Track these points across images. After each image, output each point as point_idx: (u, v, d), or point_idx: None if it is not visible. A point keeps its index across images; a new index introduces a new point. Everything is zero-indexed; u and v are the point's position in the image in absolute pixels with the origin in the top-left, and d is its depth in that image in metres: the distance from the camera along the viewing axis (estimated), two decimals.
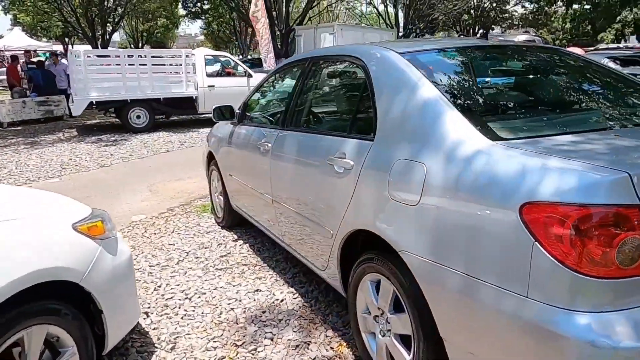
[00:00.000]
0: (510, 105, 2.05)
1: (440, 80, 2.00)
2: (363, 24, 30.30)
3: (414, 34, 27.13)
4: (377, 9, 30.14)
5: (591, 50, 14.01)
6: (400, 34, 25.11)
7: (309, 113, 2.84)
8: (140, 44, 38.04)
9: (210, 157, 4.35)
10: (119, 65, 10.24)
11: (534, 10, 32.48)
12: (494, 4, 33.81)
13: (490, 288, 1.48)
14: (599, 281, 1.29)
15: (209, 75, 11.09)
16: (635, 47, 18.78)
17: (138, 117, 10.50)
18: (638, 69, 9.99)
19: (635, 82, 2.32)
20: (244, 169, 3.58)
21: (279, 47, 19.35)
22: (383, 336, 2.07)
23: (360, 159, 2.10)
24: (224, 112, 3.72)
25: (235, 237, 4.13)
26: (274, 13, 19.36)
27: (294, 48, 19.20)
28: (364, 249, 2.22)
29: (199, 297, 3.08)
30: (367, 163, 2.05)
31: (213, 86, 10.92)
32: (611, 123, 1.81)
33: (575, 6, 22.76)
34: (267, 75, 3.55)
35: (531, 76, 2.36)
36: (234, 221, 4.26)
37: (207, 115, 11.67)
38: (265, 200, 3.14)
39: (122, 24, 33.73)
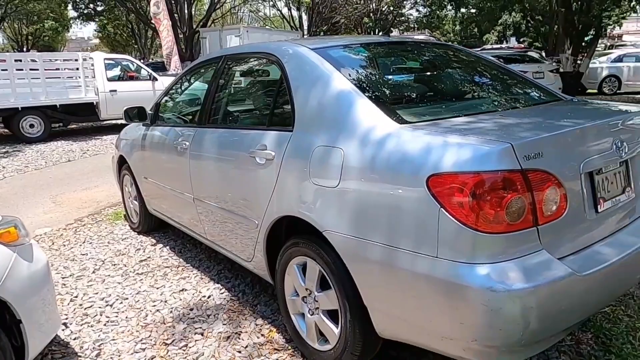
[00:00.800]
0: (413, 95, 2.28)
1: (350, 73, 2.17)
2: (268, 27, 30.43)
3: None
4: (282, 12, 30.44)
5: (477, 50, 15.36)
6: (305, 37, 25.61)
7: (227, 110, 2.89)
8: (25, 48, 34.89)
9: (122, 162, 4.21)
10: (6, 70, 9.38)
11: (427, 14, 34.75)
12: (391, 8, 35.70)
13: (407, 254, 1.67)
14: (494, 236, 1.53)
15: (110, 79, 10.55)
16: (514, 47, 20.85)
17: (31, 126, 9.72)
18: (518, 66, 11.15)
19: (515, 73, 2.69)
20: (161, 171, 3.53)
21: (183, 49, 18.86)
22: (312, 315, 2.20)
23: (281, 149, 2.21)
24: (135, 114, 3.63)
25: (154, 241, 4.05)
26: (176, 15, 18.84)
27: (199, 50, 18.83)
28: (288, 235, 2.33)
29: (121, 302, 3.00)
30: (287, 152, 2.17)
31: (115, 91, 10.41)
32: (497, 106, 2.10)
33: (463, 10, 24.78)
34: (180, 75, 3.53)
35: (430, 69, 2.64)
36: (151, 225, 4.17)
37: (110, 121, 11.11)
38: (186, 200, 3.14)
39: (2, 27, 30.70)
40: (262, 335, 2.56)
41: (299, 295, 2.27)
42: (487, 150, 1.54)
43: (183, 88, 3.57)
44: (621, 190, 1.93)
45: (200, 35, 17.29)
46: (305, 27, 27.78)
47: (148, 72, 11.12)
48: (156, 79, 10.83)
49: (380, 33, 18.93)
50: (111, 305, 2.97)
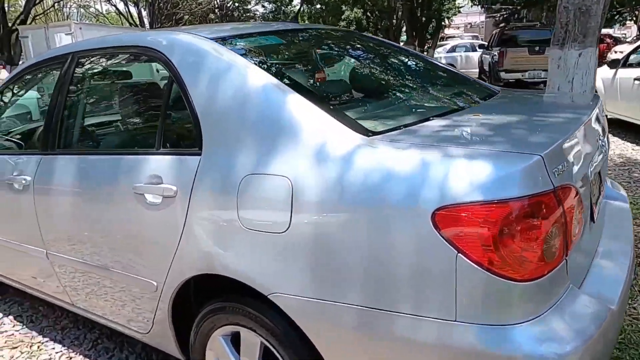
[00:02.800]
0: (357, 95, 1.78)
1: (273, 68, 1.60)
2: (102, 23, 27.46)
3: None
4: (117, 8, 27.67)
5: None
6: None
7: (87, 128, 2.08)
8: None
9: None
10: None
11: (273, 10, 34.76)
12: (237, 4, 34.91)
13: (405, 319, 1.18)
14: (535, 283, 1.12)
15: None
16: None
17: None
18: None
19: (437, 64, 2.37)
20: None
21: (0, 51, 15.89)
22: None
23: (186, 182, 1.55)
24: None
25: None
26: None
27: (19, 52, 16.03)
28: (204, 296, 1.69)
29: None
30: (198, 186, 1.52)
31: None
32: (457, 104, 1.72)
33: (309, 6, 25.25)
34: (4, 83, 2.54)
35: (361, 62, 2.16)
36: None
37: None
38: (35, 256, 2.25)
39: None
40: None
41: None
42: (514, 168, 1.12)
43: (10, 100, 2.58)
44: (598, 190, 1.69)
45: (19, 34, 14.63)
46: (147, 24, 25.60)
47: None
48: None
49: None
50: None
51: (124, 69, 2.13)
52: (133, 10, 27.35)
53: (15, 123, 2.99)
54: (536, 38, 12.28)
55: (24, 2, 19.13)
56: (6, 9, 18.11)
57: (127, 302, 1.91)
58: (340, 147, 1.30)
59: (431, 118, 1.51)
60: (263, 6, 35.57)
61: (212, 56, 1.61)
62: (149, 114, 1.97)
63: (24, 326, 2.74)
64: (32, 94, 2.89)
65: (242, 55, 1.60)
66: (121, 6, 27.08)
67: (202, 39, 1.70)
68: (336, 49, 2.20)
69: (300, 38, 2.10)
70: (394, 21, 17.88)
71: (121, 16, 28.03)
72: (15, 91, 2.55)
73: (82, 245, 1.98)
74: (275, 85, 1.47)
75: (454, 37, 26.33)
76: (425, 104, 1.74)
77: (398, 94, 1.85)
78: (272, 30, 2.02)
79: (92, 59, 2.11)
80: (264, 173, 1.38)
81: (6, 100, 2.55)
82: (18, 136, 2.46)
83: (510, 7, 23.32)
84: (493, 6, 24.87)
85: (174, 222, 1.58)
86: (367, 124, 1.41)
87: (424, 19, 13.62)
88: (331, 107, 1.46)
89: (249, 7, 35.60)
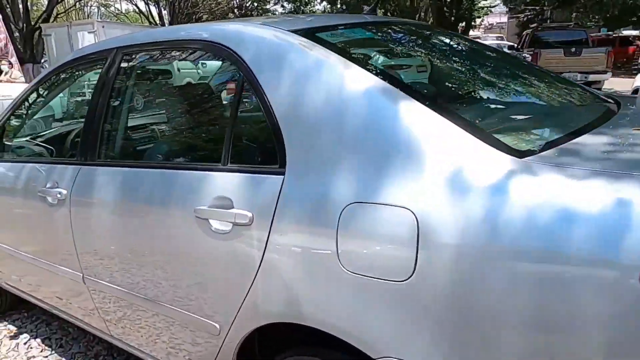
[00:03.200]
0: (485, 104, 1.45)
1: (376, 67, 1.29)
2: (122, 22, 27.52)
3: None
4: (138, 7, 27.72)
5: None
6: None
7: (135, 135, 1.80)
8: None
9: None
10: None
11: (292, 10, 34.49)
12: (256, 4, 34.76)
13: None
14: None
15: None
16: None
17: None
18: None
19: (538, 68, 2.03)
20: (14, 231, 2.28)
21: (20, 49, 15.86)
22: None
23: (265, 207, 1.25)
24: None
25: (13, 330, 2.71)
26: (8, 9, 15.76)
27: (42, 50, 16.02)
28: (274, 344, 1.39)
29: None
30: (282, 213, 1.22)
31: None
32: (595, 115, 1.39)
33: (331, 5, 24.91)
34: (36, 81, 2.27)
35: (474, 64, 1.80)
36: (5, 304, 2.82)
37: None
38: (69, 279, 1.98)
39: None
40: None
41: None
42: None
43: (44, 102, 2.31)
44: None
45: (42, 32, 14.56)
46: (167, 24, 25.55)
47: None
48: None
49: None
50: None
51: (178, 68, 1.84)
52: (153, 9, 27.36)
53: (39, 124, 2.74)
54: (570, 39, 11.83)
55: (46, 1, 19.14)
56: (29, 7, 18.13)
57: (179, 344, 1.62)
58: (486, 173, 0.99)
59: (578, 132, 1.18)
60: (282, 6, 35.35)
61: (297, 52, 1.31)
62: (212, 121, 1.67)
63: (53, 351, 2.48)
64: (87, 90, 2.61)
65: (335, 51, 1.29)
66: (142, 5, 27.12)
67: (281, 32, 1.39)
68: (439, 46, 1.85)
69: (391, 32, 1.78)
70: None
71: (141, 15, 28.07)
72: (51, 92, 2.28)
73: (127, 273, 1.69)
74: (386, 90, 1.16)
75: (477, 38, 25.86)
76: (558, 115, 1.42)
77: (520, 102, 1.53)
78: (356, 23, 1.71)
79: (140, 56, 1.82)
80: (375, 202, 1.07)
81: (43, 102, 2.28)
82: (56, 144, 2.19)
83: (537, 7, 22.78)
84: (517, 7, 24.32)
85: (247, 255, 1.29)
86: (508, 141, 1.09)
87: (453, 18, 13.22)
88: (461, 118, 1.14)
89: (268, 6, 35.42)
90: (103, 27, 13.22)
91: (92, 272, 1.84)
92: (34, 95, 2.32)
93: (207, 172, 1.41)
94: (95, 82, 1.89)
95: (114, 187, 1.70)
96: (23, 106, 2.37)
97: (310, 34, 1.40)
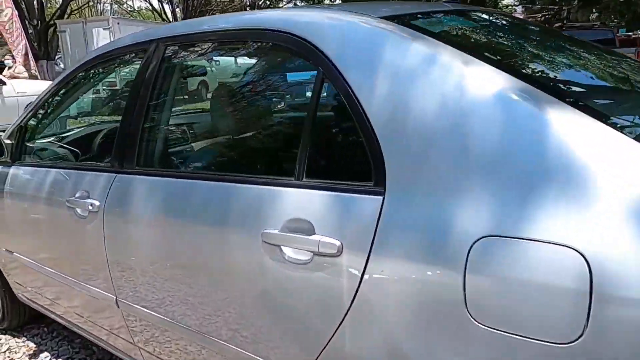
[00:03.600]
0: (619, 106, 1.20)
1: (500, 64, 1.04)
2: (135, 18, 27.50)
3: None
4: (151, 4, 27.66)
5: None
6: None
7: (181, 140, 1.56)
8: None
9: None
10: None
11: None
12: (268, 2, 34.60)
13: None
14: None
15: None
16: None
17: None
18: None
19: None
20: (38, 244, 2.06)
21: (35, 46, 15.78)
22: None
23: (358, 235, 1.00)
24: None
25: (33, 346, 2.49)
26: (23, 5, 15.67)
27: (56, 47, 15.95)
28: None
29: None
30: (383, 243, 0.97)
31: None
32: None
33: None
34: (62, 77, 2.04)
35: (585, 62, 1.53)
36: (24, 318, 2.61)
37: None
38: (97, 299, 1.75)
39: None
40: None
41: None
42: None
43: (72, 100, 2.08)
44: None
45: (57, 28, 14.45)
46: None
47: None
48: (4, 83, 8.35)
49: None
50: None
51: (235, 64, 1.59)
52: (166, 6, 27.29)
53: (64, 125, 2.53)
54: (595, 39, 11.47)
55: None
56: (44, 3, 18.07)
57: None
58: None
59: None
60: (295, 4, 35.14)
61: (398, 44, 1.06)
62: (284, 127, 1.42)
63: None
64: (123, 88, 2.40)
65: (447, 43, 1.04)
66: (155, 2, 27.03)
67: (372, 19, 1.15)
68: (549, 39, 1.56)
69: (495, 22, 1.53)
70: None
71: (154, 12, 28.01)
72: (81, 89, 2.05)
73: (171, 301, 1.46)
74: (527, 92, 0.91)
75: None
76: None
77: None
78: (448, 10, 1.45)
79: (188, 49, 1.58)
80: (521, 237, 0.82)
81: (71, 100, 2.05)
82: (86, 147, 1.96)
83: (555, 7, 22.31)
84: (534, 6, 23.85)
85: (333, 292, 1.04)
86: None
87: None
88: (610, 120, 0.89)
89: (281, 5, 35.21)
90: (118, 23, 13.11)
91: (128, 296, 1.61)
92: (60, 93, 2.09)
93: (277, 188, 1.17)
94: (131, 79, 1.66)
95: (156, 200, 1.47)
96: (47, 104, 2.15)
97: (405, 22, 1.15)
